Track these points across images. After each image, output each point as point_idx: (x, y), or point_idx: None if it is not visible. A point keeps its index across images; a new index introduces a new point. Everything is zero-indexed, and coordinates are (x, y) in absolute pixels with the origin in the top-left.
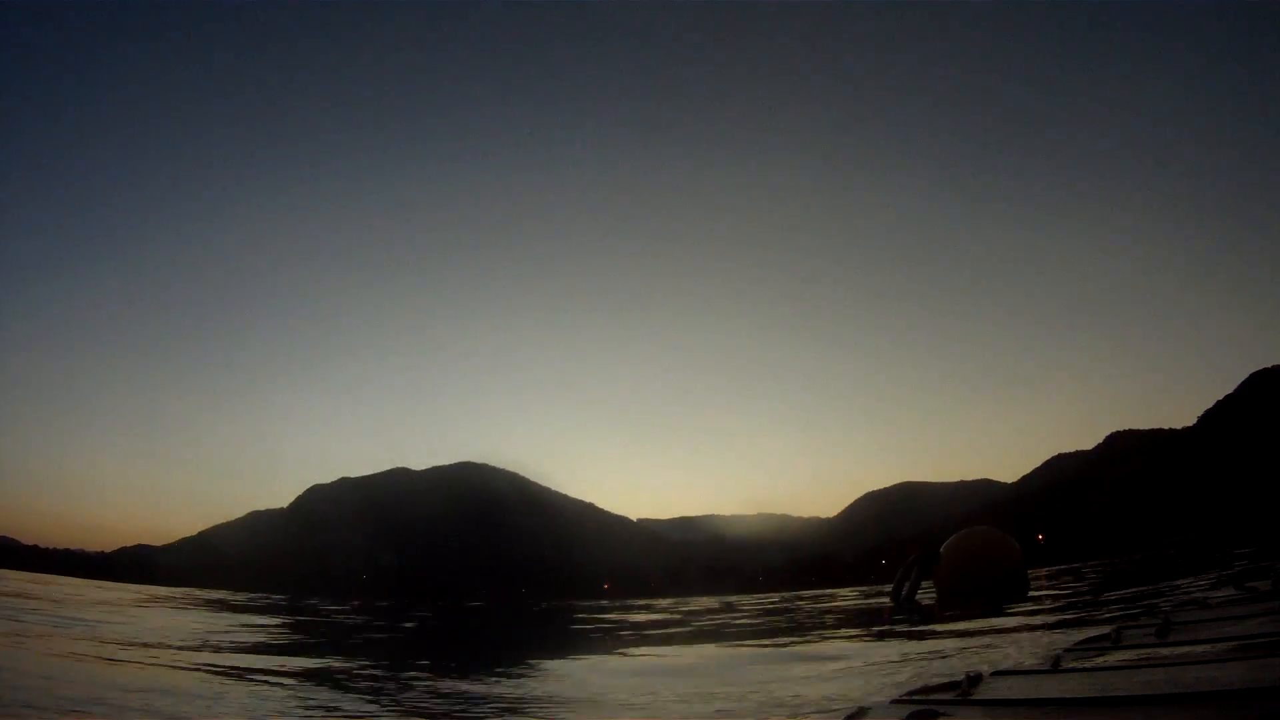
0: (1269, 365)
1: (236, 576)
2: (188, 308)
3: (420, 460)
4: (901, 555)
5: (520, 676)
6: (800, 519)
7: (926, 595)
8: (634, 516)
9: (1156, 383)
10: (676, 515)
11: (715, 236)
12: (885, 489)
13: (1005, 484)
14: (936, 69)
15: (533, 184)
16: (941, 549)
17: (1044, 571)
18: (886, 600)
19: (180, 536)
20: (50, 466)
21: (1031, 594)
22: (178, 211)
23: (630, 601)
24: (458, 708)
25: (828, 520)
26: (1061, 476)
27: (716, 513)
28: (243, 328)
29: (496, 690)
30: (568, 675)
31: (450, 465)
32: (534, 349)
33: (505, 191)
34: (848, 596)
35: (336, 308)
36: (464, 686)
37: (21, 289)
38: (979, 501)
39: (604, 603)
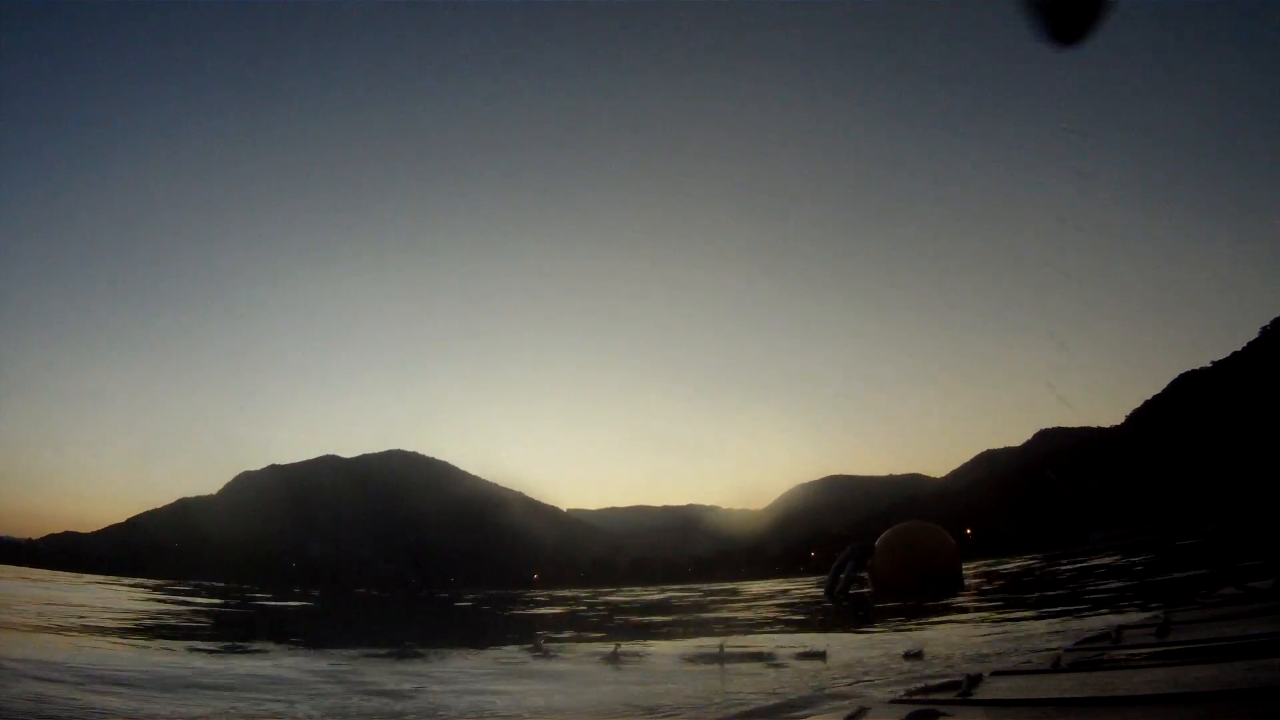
0: (1197, 366)
1: (166, 564)
2: (114, 292)
3: (350, 448)
4: (831, 549)
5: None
6: (730, 511)
7: (862, 590)
8: (564, 506)
9: (1087, 382)
10: (607, 505)
11: (641, 232)
12: (815, 482)
13: (934, 479)
14: (856, 66)
15: (455, 172)
16: (876, 543)
17: (972, 567)
18: (820, 594)
19: (109, 523)
20: None
21: (965, 587)
22: (106, 197)
23: (557, 593)
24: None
25: (757, 513)
26: (990, 472)
27: (646, 503)
28: (171, 313)
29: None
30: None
31: (380, 453)
32: (465, 338)
33: (427, 177)
34: (781, 589)
35: (265, 296)
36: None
37: None
38: (908, 496)
39: (534, 594)
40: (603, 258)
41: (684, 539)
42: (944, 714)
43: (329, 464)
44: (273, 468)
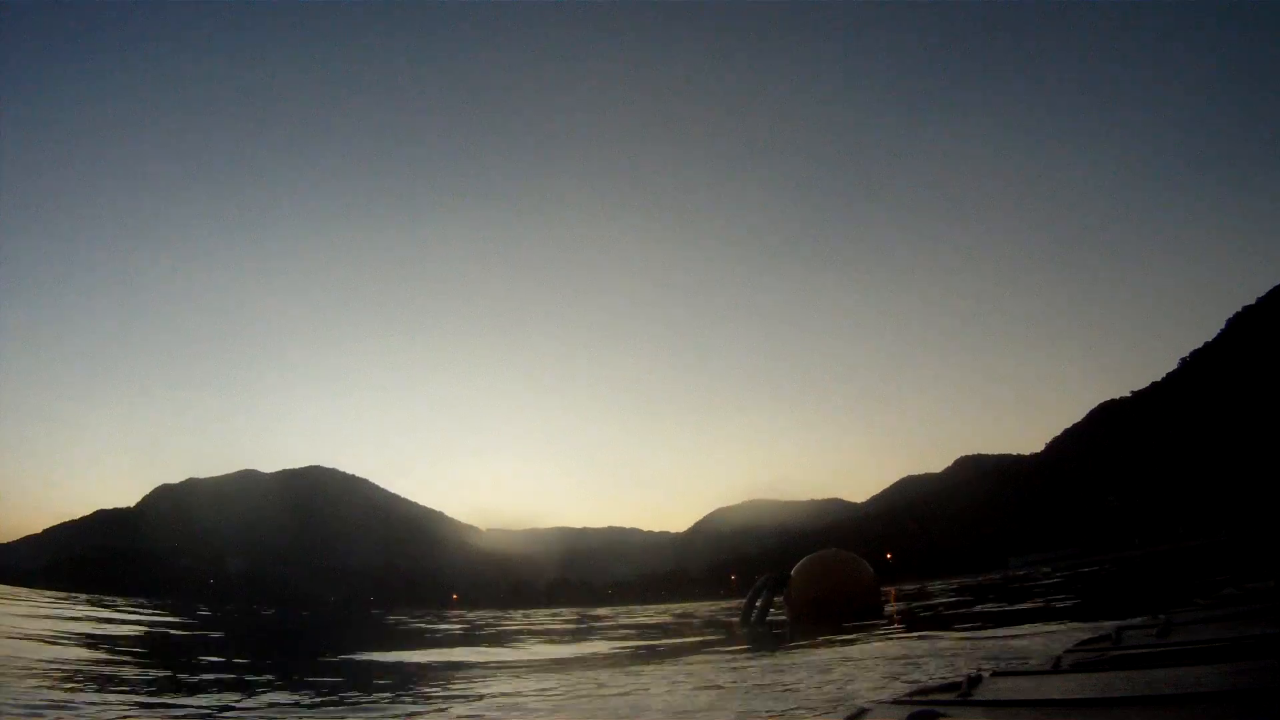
0: (1114, 397)
1: (82, 577)
2: (29, 296)
3: (270, 463)
4: (750, 572)
5: None
6: (650, 533)
7: (778, 616)
8: (484, 526)
9: (1007, 410)
10: (527, 526)
11: (568, 255)
12: (735, 506)
13: (855, 503)
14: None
15: (376, 187)
16: (793, 571)
17: (892, 590)
18: (735, 618)
19: (24, 534)
20: None
21: (884, 613)
22: (36, 217)
23: (471, 614)
24: None
25: (677, 535)
26: (911, 497)
27: (567, 525)
28: (93, 321)
29: None
30: None
31: (299, 468)
32: (386, 356)
33: (357, 193)
34: (696, 612)
35: (184, 306)
36: None
37: None
38: (829, 520)
39: (443, 614)
40: (525, 283)
41: (605, 560)
42: (944, 714)
43: (248, 478)
44: (191, 481)
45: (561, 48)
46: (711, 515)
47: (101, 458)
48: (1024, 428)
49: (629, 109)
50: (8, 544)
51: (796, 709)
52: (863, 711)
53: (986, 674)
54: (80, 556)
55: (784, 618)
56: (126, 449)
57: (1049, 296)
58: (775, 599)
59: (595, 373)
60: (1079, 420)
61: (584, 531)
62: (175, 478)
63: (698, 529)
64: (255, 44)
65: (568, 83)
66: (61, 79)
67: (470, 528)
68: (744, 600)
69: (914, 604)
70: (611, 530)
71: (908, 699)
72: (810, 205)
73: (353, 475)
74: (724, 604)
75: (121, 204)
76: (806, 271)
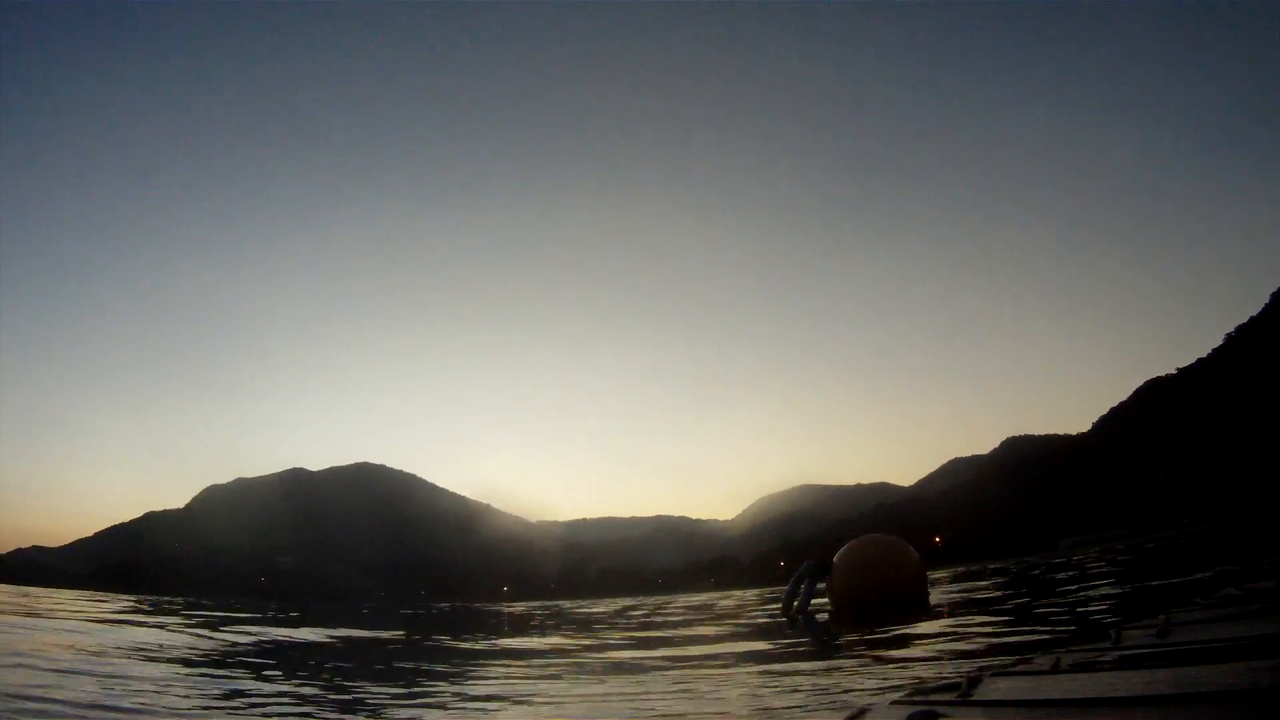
0: (1161, 374)
1: (134, 579)
2: (80, 306)
3: (317, 461)
4: (798, 558)
5: None
6: (698, 521)
7: (821, 606)
8: (533, 518)
9: (1053, 389)
10: (575, 517)
11: (609, 246)
12: (783, 492)
13: (902, 487)
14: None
15: (424, 188)
16: (835, 559)
17: (942, 574)
18: (778, 610)
19: (76, 538)
20: None
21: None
22: (65, 209)
23: (524, 605)
24: None
25: (726, 522)
26: (958, 480)
27: (615, 514)
28: (139, 328)
29: None
30: None
31: (348, 466)
32: (432, 352)
33: (395, 194)
34: (738, 602)
35: (231, 310)
36: None
37: None
38: (877, 503)
39: (497, 607)
40: (572, 273)
41: (654, 550)
42: (944, 714)
43: (296, 477)
44: (240, 481)
45: (593, 33)
46: (759, 502)
47: (151, 462)
48: (1070, 407)
49: (660, 88)
50: (59, 548)
51: (796, 708)
52: (863, 711)
53: (986, 674)
54: (131, 559)
55: (827, 608)
56: (176, 452)
57: (1094, 274)
58: (818, 587)
59: (642, 362)
60: (1126, 398)
61: (632, 521)
62: (224, 478)
63: (746, 516)
64: (277, 40)
65: (591, 67)
66: (78, 85)
67: (519, 520)
68: (785, 592)
69: (963, 592)
70: (660, 519)
71: (908, 699)
72: (852, 187)
73: (400, 471)
74: (770, 590)
75: (162, 211)
76: (851, 254)
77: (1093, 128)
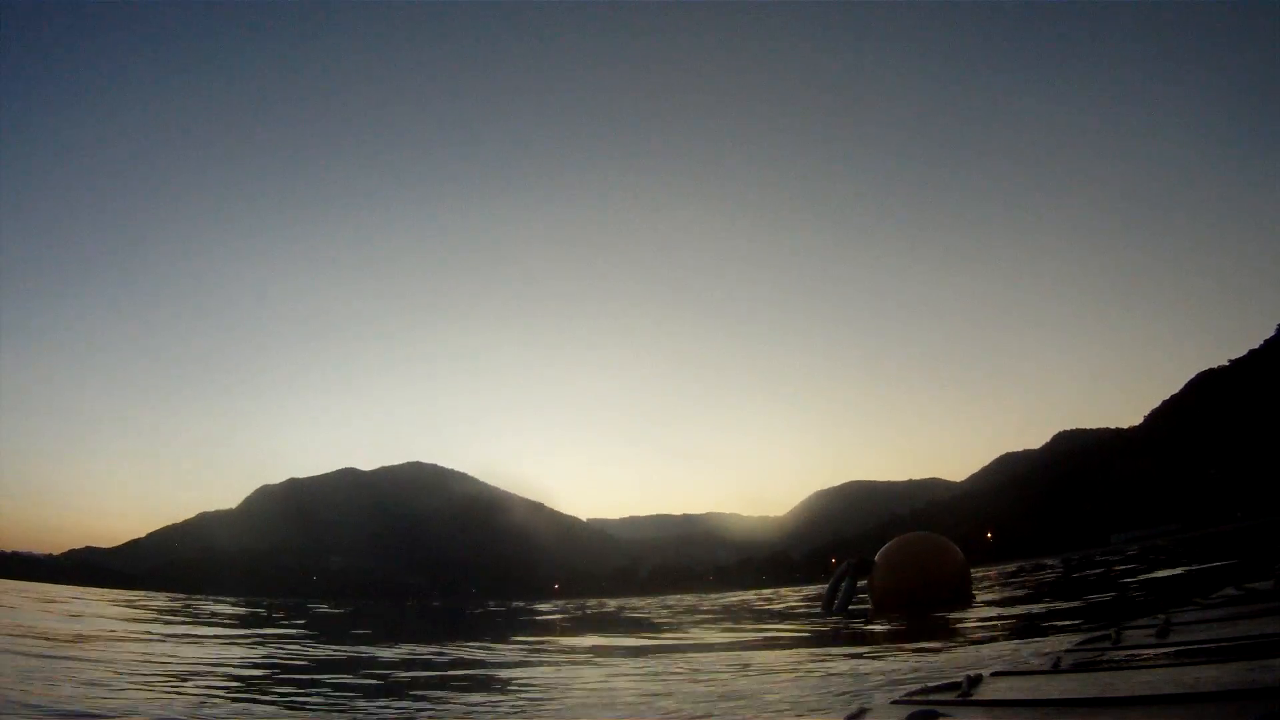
0: (1213, 366)
1: (186, 578)
2: (133, 311)
3: (369, 460)
4: (849, 555)
5: None
6: (750, 518)
7: (862, 604)
8: (585, 516)
9: (1104, 383)
10: (628, 515)
11: (661, 244)
12: (835, 487)
13: (954, 483)
14: (883, 79)
15: (482, 191)
16: (876, 556)
17: (994, 571)
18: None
19: (130, 538)
20: None
21: (978, 599)
22: (125, 218)
23: (579, 601)
24: None
25: (778, 519)
26: (1010, 475)
27: (667, 512)
28: (190, 330)
29: None
30: None
31: (399, 465)
32: (483, 351)
33: (456, 199)
34: (785, 598)
35: (282, 311)
36: None
37: None
38: (928, 500)
39: (545, 605)
40: (617, 269)
41: (705, 547)
42: (944, 714)
43: (348, 477)
44: (291, 481)
45: (649, 29)
46: (811, 498)
47: (204, 463)
48: (1122, 401)
49: (714, 82)
50: (113, 548)
51: (796, 708)
52: (863, 711)
53: (986, 674)
54: (183, 558)
55: (868, 607)
56: (228, 454)
57: (1143, 265)
58: (859, 585)
59: (693, 360)
60: (1177, 391)
61: (685, 518)
62: (276, 479)
63: (797, 513)
64: (305, 37)
65: (643, 61)
66: (102, 89)
67: (571, 518)
68: (826, 588)
69: (1009, 587)
70: (712, 516)
71: (908, 699)
72: (903, 181)
73: (452, 470)
74: (822, 587)
75: (211, 213)
76: (900, 250)
77: (1139, 118)
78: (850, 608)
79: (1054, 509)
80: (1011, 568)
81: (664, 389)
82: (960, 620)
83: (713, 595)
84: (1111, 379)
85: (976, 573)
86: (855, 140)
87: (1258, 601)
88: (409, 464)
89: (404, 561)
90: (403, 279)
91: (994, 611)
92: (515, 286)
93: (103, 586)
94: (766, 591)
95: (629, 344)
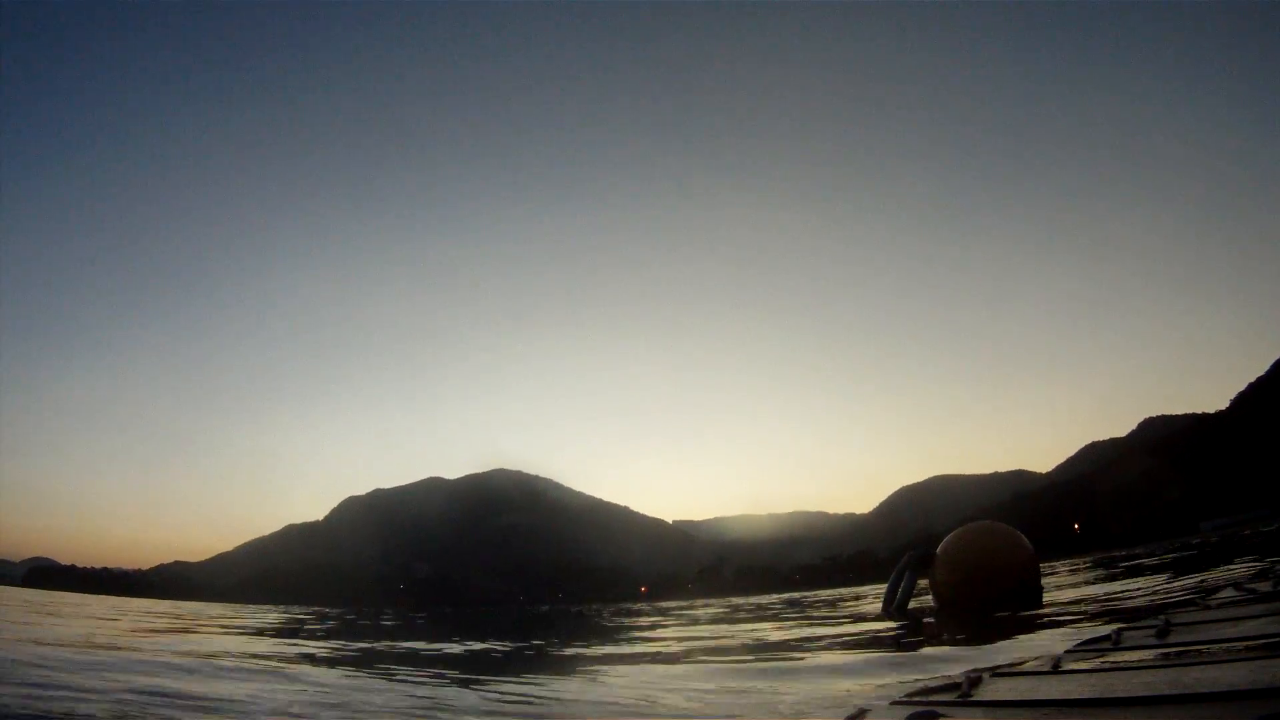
0: None
1: (274, 591)
2: (218, 330)
3: (453, 469)
4: (912, 548)
5: None
6: (835, 515)
7: (924, 601)
8: (669, 518)
9: (1188, 368)
10: (712, 516)
11: (740, 243)
12: (920, 483)
13: (1039, 474)
14: (944, 75)
15: (556, 200)
16: (938, 549)
17: (1081, 561)
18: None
19: (217, 552)
20: (86, 486)
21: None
22: (208, 237)
23: (662, 604)
24: None
25: (863, 516)
26: (1096, 464)
27: (751, 512)
28: (272, 346)
29: None
30: None
31: (484, 473)
32: (566, 357)
33: (544, 206)
34: (863, 595)
35: (366, 325)
36: None
37: (57, 321)
38: (1013, 492)
39: (638, 606)
40: (698, 273)
41: (790, 546)
42: (944, 715)
43: (433, 485)
44: (377, 492)
45: (742, 31)
46: (896, 494)
47: (290, 477)
48: (1208, 385)
49: (803, 75)
50: (201, 562)
51: (796, 708)
52: (862, 712)
53: (986, 674)
54: (270, 570)
55: (931, 604)
56: (314, 467)
57: (1226, 246)
58: (920, 581)
59: (774, 359)
60: (1264, 373)
61: (769, 517)
62: (362, 490)
63: (883, 508)
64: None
65: (727, 60)
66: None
67: (656, 520)
68: (887, 586)
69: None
70: (796, 515)
71: (908, 699)
72: (984, 175)
73: (536, 476)
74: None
75: (303, 228)
76: (983, 242)
77: (1222, 105)
78: (910, 606)
79: (1141, 498)
80: (1098, 556)
81: (745, 389)
82: (1023, 618)
83: (790, 594)
84: (1196, 363)
85: (1062, 565)
86: (939, 138)
87: (1258, 602)
88: (493, 471)
89: (490, 568)
90: (485, 288)
91: (1063, 607)
92: (598, 292)
93: (192, 600)
94: (845, 590)
95: (711, 346)
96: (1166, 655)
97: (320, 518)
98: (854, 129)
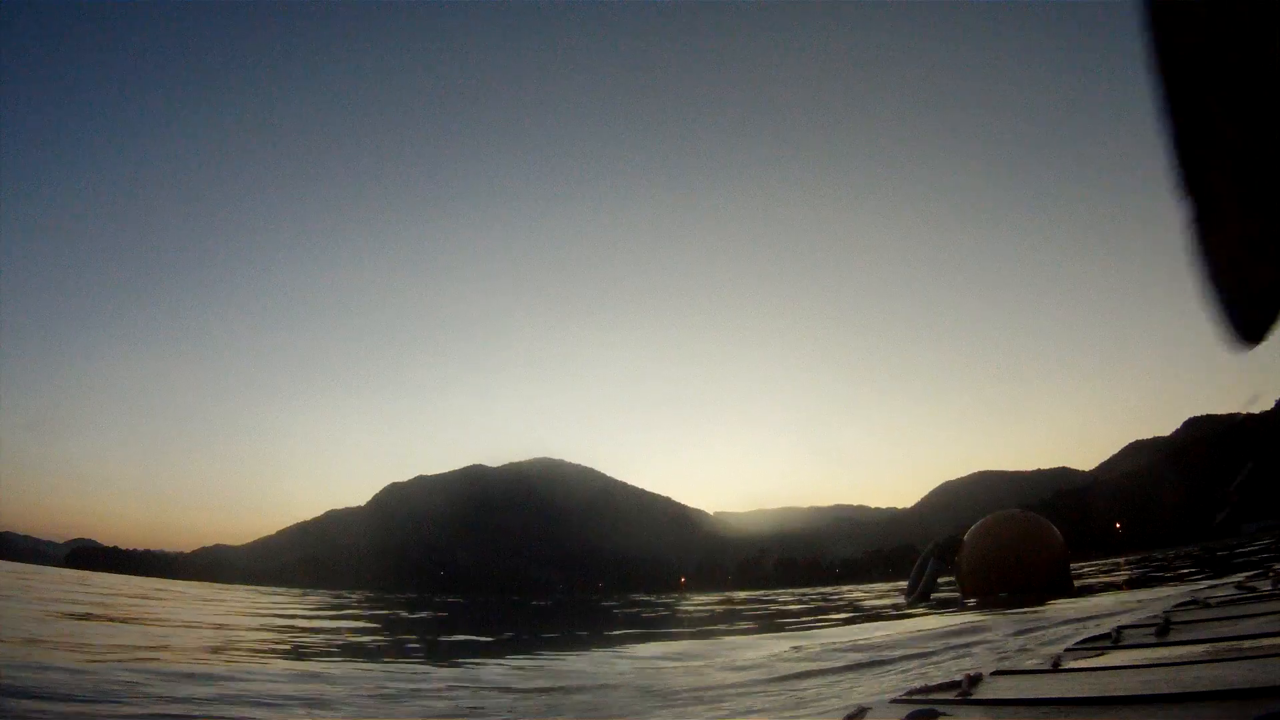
0: None
1: (316, 575)
2: (265, 315)
3: (496, 457)
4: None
5: None
6: (877, 510)
7: (948, 591)
8: (711, 510)
9: (1234, 366)
10: (754, 508)
11: (795, 239)
12: (962, 478)
13: (1082, 471)
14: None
15: (596, 192)
16: (965, 536)
17: (1120, 560)
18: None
19: (259, 536)
20: (129, 469)
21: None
22: (251, 229)
23: (698, 597)
24: None
25: (904, 511)
26: (1140, 462)
27: (794, 505)
28: (316, 330)
29: None
30: None
31: (526, 461)
32: (608, 346)
33: (588, 197)
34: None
35: (412, 313)
36: None
37: (98, 307)
38: (1056, 489)
39: (676, 597)
40: (743, 265)
41: (832, 539)
42: (944, 714)
43: (476, 473)
44: (420, 479)
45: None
46: (939, 489)
47: (333, 462)
48: (1253, 383)
49: (858, 68)
50: (242, 546)
51: (796, 708)
52: (862, 711)
53: (986, 673)
54: (312, 555)
55: (957, 594)
56: (357, 453)
57: None
58: (944, 570)
59: (817, 352)
60: None
61: (811, 510)
62: (404, 476)
63: (925, 503)
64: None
65: (780, 56)
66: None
67: (698, 511)
68: (911, 575)
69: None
70: (838, 508)
71: (907, 698)
72: (1027, 172)
73: (579, 465)
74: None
75: (344, 216)
76: (1028, 237)
77: None
78: (933, 595)
79: (1185, 498)
80: (1139, 556)
81: (790, 384)
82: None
83: (828, 589)
84: (1241, 362)
85: (1103, 564)
86: (986, 126)
87: (1257, 601)
88: (536, 460)
89: (531, 557)
90: (531, 278)
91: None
92: (638, 281)
93: (233, 583)
94: (885, 586)
95: (755, 339)
96: (1166, 654)
97: (363, 503)
98: (916, 118)
